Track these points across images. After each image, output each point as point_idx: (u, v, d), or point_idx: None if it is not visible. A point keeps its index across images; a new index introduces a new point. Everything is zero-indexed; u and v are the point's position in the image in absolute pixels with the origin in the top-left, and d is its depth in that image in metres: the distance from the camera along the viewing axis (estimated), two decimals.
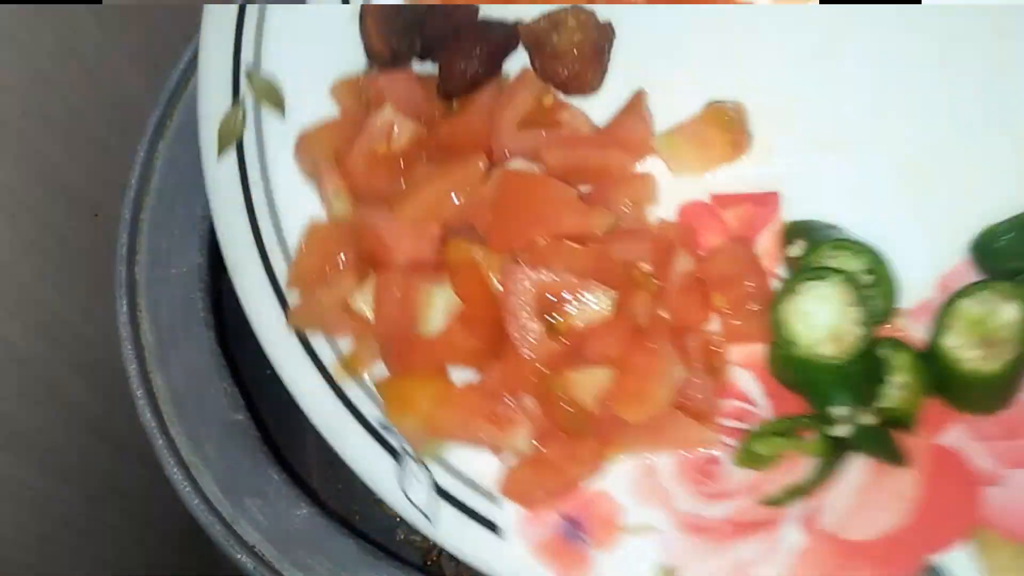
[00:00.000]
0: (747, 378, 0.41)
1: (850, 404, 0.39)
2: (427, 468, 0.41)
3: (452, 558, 0.63)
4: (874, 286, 0.41)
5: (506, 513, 0.40)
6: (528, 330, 0.40)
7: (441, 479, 0.41)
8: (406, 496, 0.41)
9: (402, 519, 0.69)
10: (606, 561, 0.39)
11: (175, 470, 0.48)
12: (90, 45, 0.61)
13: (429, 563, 0.66)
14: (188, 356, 0.50)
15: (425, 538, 0.68)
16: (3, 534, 0.59)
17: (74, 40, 0.59)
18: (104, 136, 0.63)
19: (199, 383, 0.50)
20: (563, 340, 0.40)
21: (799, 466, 0.39)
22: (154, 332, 0.51)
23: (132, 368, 0.50)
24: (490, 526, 0.40)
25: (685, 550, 0.39)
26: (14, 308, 0.58)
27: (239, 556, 0.46)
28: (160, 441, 0.49)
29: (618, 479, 0.40)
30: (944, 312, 0.39)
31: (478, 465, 0.41)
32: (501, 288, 0.40)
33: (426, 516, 0.41)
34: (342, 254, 0.43)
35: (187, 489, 0.47)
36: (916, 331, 0.41)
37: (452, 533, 0.40)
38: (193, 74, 0.57)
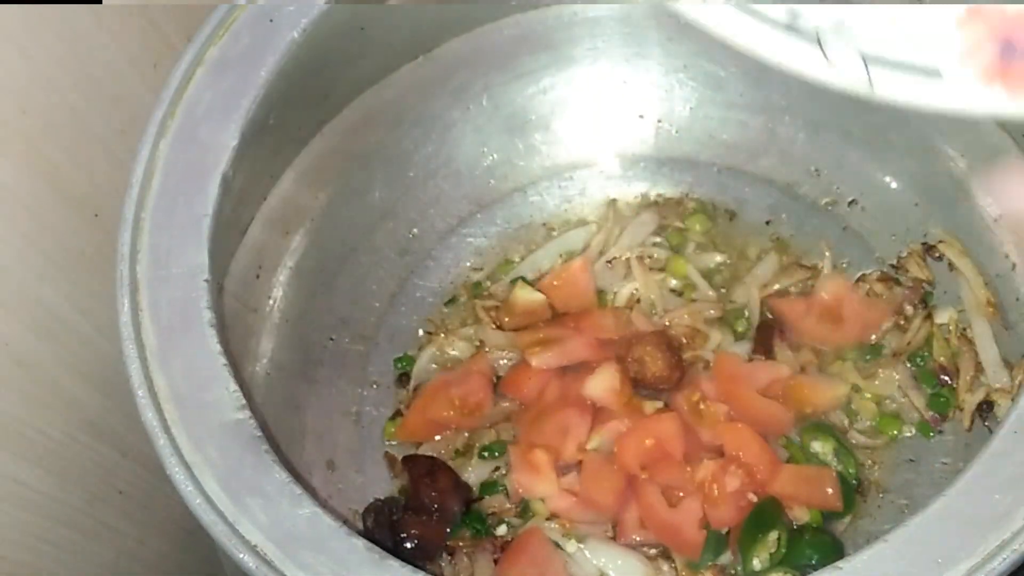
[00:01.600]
0: None
1: None
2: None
3: (452, 558, 0.64)
4: None
5: (940, 57, 0.42)
6: None
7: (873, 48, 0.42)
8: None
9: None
10: None
11: (176, 470, 0.48)
12: (90, 45, 0.60)
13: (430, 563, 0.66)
14: (189, 355, 0.50)
15: None
16: (3, 534, 0.59)
17: (74, 40, 0.59)
18: (104, 136, 0.63)
19: (200, 382, 0.50)
20: None
21: None
22: (155, 331, 0.51)
23: (133, 368, 0.50)
24: (929, 72, 0.42)
25: None
26: (14, 308, 0.58)
27: (241, 556, 0.46)
28: (161, 441, 0.49)
29: None
30: None
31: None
32: None
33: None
34: None
35: (189, 489, 0.47)
36: None
37: (895, 92, 0.42)
38: (194, 74, 0.57)
